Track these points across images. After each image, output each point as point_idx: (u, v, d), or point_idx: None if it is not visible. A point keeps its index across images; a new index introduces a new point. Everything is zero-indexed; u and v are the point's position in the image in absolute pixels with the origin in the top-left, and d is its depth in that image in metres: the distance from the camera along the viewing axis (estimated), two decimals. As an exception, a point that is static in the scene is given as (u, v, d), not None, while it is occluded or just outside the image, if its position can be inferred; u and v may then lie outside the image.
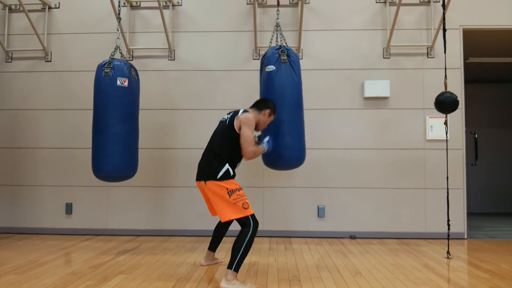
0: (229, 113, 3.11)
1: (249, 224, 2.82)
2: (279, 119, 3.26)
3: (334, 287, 2.75)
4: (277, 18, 3.77)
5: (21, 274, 3.00)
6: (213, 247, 3.39)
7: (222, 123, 3.09)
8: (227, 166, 2.94)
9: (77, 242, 4.23)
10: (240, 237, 2.79)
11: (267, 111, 3.09)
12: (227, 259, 3.41)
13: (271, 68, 3.35)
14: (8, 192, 4.78)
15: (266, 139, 3.10)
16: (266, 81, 3.39)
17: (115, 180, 3.69)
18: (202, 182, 2.97)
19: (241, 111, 3.06)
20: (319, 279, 2.93)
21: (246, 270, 3.16)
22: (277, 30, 3.75)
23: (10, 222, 4.75)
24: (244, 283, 2.76)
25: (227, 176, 2.91)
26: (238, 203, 2.85)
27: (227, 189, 2.87)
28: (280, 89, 3.31)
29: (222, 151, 2.98)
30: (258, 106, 3.12)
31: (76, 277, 2.94)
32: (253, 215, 2.87)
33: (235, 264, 2.72)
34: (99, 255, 3.64)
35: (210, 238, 4.21)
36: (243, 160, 3.10)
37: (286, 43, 3.62)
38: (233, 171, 3.00)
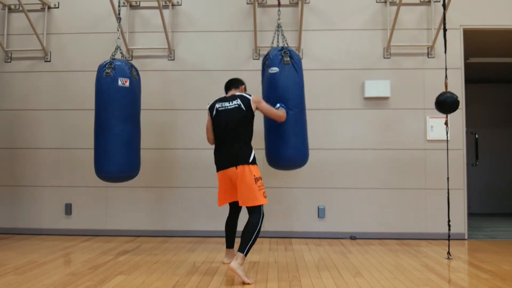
0: (224, 101, 3.23)
1: (260, 212, 3.02)
2: (286, 121, 3.32)
3: (334, 287, 2.75)
4: (278, 19, 3.76)
5: (20, 275, 2.99)
6: (230, 244, 3.46)
7: (233, 111, 3.16)
8: (253, 151, 3.15)
9: (77, 243, 4.23)
10: (252, 224, 2.97)
11: (242, 86, 3.43)
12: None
13: (274, 70, 3.39)
14: (8, 192, 4.77)
15: (278, 105, 3.32)
16: (270, 83, 3.44)
17: (118, 181, 3.68)
18: (233, 168, 3.08)
19: (245, 94, 3.24)
20: (319, 279, 2.92)
21: (246, 270, 3.15)
22: (278, 31, 3.75)
23: (10, 223, 4.75)
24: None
25: (255, 161, 3.13)
26: (261, 190, 3.05)
27: (254, 175, 3.05)
28: (285, 91, 3.36)
29: (248, 137, 3.19)
30: (234, 85, 3.40)
31: (75, 277, 2.93)
32: (263, 205, 3.07)
33: (246, 249, 2.90)
34: (98, 256, 3.64)
35: (210, 238, 4.20)
36: None
37: (287, 43, 3.61)
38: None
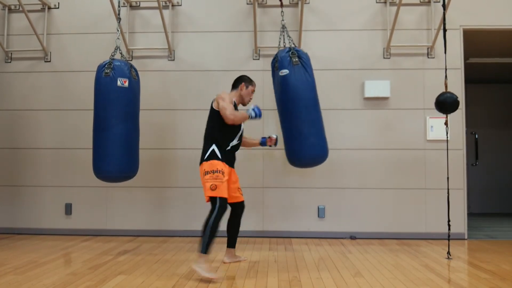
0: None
1: (214, 207, 3.01)
2: (299, 120, 3.38)
3: (334, 287, 2.75)
4: (282, 20, 3.76)
5: (20, 275, 2.99)
6: (231, 243, 3.49)
7: (209, 110, 3.29)
8: (213, 146, 3.16)
9: (77, 243, 4.23)
10: (206, 220, 2.98)
11: (242, 84, 3.38)
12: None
13: (285, 72, 3.39)
14: (8, 192, 4.78)
15: (252, 107, 3.27)
16: (282, 85, 3.46)
17: (116, 181, 3.68)
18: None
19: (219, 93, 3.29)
20: (319, 279, 2.92)
21: (246, 270, 3.15)
22: (283, 32, 3.74)
23: (10, 223, 4.75)
24: (209, 271, 2.92)
25: (212, 156, 3.13)
26: (208, 182, 3.05)
27: (205, 169, 3.10)
28: (296, 92, 3.39)
29: (210, 133, 3.22)
30: (234, 86, 3.43)
31: (76, 277, 2.93)
32: (222, 199, 3.04)
33: (201, 246, 2.93)
34: (99, 256, 3.64)
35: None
36: (236, 143, 3.31)
37: (294, 44, 3.61)
38: (223, 154, 3.18)
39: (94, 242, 4.28)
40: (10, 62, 4.87)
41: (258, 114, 3.28)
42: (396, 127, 4.60)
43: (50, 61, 4.84)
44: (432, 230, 4.50)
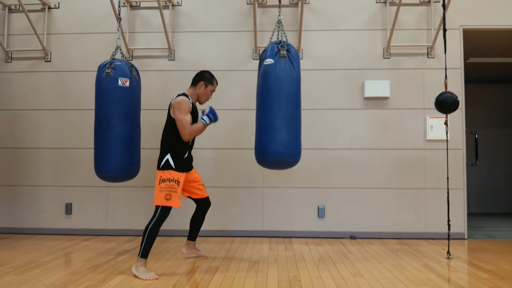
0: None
1: (155, 213, 3.05)
2: (274, 114, 3.16)
3: (334, 287, 2.75)
4: (279, 15, 3.67)
5: (20, 275, 2.99)
6: (191, 236, 3.58)
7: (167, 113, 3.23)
8: (168, 156, 3.10)
9: (77, 242, 4.23)
10: (146, 226, 3.04)
11: (201, 83, 3.26)
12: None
13: (269, 61, 3.20)
14: (8, 192, 4.78)
15: (206, 111, 3.18)
16: (264, 75, 3.25)
17: (118, 181, 3.68)
18: None
19: (175, 96, 3.20)
20: (319, 279, 2.92)
21: (246, 270, 3.16)
22: (278, 27, 3.63)
23: (10, 222, 4.75)
24: (148, 271, 2.95)
25: (167, 166, 3.08)
26: (163, 192, 3.03)
27: (161, 177, 3.06)
28: (277, 83, 3.17)
29: (165, 141, 3.17)
30: (193, 82, 3.30)
31: (76, 277, 2.93)
32: (164, 208, 3.05)
33: (140, 251, 2.98)
34: (99, 255, 3.64)
35: (210, 238, 4.21)
36: (191, 147, 3.28)
37: (287, 39, 3.54)
38: (179, 162, 3.12)
39: (94, 242, 4.28)
40: (10, 62, 4.87)
41: (213, 119, 3.18)
42: (396, 127, 4.60)
43: (50, 61, 4.84)
44: (432, 230, 4.50)
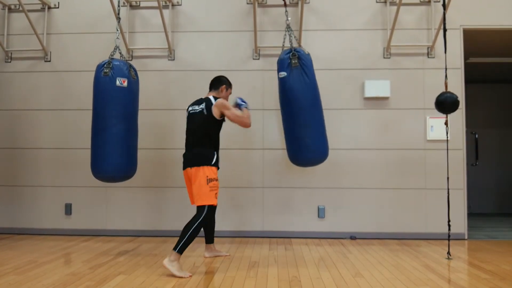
0: (196, 104, 3.40)
1: (201, 212, 3.12)
2: (295, 123, 3.45)
3: (334, 287, 2.75)
4: (287, 20, 3.77)
5: (20, 275, 2.99)
6: (209, 239, 3.65)
7: (197, 115, 3.34)
8: (216, 154, 3.30)
9: (77, 243, 4.23)
10: (190, 223, 3.07)
11: (223, 87, 3.51)
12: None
13: (283, 74, 3.48)
14: (8, 192, 4.77)
15: (238, 100, 3.44)
16: (280, 87, 3.55)
17: (114, 181, 3.68)
18: (188, 169, 3.27)
19: (211, 98, 3.35)
20: (319, 279, 2.92)
21: (246, 270, 3.15)
22: (288, 31, 3.73)
23: (10, 223, 4.75)
24: (181, 269, 3.00)
25: (215, 163, 3.27)
26: (213, 191, 3.16)
27: (207, 176, 3.16)
28: (291, 94, 3.44)
29: (209, 139, 3.29)
30: (214, 86, 3.52)
31: (75, 277, 2.93)
32: (212, 206, 3.19)
33: (179, 246, 3.00)
34: (98, 256, 3.64)
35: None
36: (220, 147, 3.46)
37: (299, 44, 3.61)
38: (218, 159, 3.34)
39: (94, 242, 4.28)
40: (10, 62, 4.87)
41: (246, 103, 3.46)
42: (396, 127, 4.59)
43: (50, 61, 4.84)
44: (432, 230, 4.49)
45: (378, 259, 3.56)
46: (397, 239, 4.47)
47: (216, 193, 3.19)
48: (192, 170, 3.22)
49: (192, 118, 3.40)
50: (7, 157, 4.79)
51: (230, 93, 3.62)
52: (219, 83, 3.52)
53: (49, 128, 4.78)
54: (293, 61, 3.40)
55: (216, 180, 3.22)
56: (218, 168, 3.32)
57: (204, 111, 3.30)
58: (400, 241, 4.36)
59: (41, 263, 3.36)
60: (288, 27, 3.74)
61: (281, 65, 3.51)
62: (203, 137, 3.29)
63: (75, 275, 2.99)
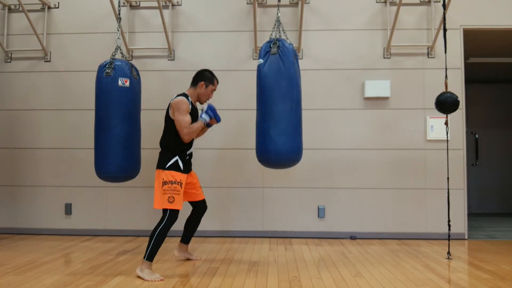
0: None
1: (164, 217, 2.97)
2: (265, 113, 3.10)
3: (334, 287, 2.75)
4: (278, 14, 3.65)
5: (20, 275, 2.99)
6: (185, 239, 3.50)
7: (166, 114, 3.19)
8: (176, 158, 3.07)
9: (77, 243, 4.23)
10: (154, 228, 2.96)
11: (201, 83, 3.21)
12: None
13: (260, 61, 3.20)
14: (8, 192, 4.77)
15: (204, 108, 3.16)
16: (257, 76, 3.23)
17: (118, 181, 3.68)
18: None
19: (174, 96, 3.15)
20: (319, 279, 2.92)
21: (246, 271, 3.15)
22: (278, 26, 3.57)
23: (10, 222, 4.74)
24: (153, 273, 2.92)
25: (173, 167, 3.04)
26: (166, 194, 2.97)
27: (163, 179, 2.99)
28: (265, 81, 3.13)
29: (170, 143, 3.11)
30: (193, 81, 3.25)
31: (75, 277, 2.93)
32: (173, 211, 2.98)
33: (147, 254, 2.92)
34: (98, 256, 3.64)
35: (210, 238, 4.20)
36: (192, 149, 3.25)
37: (287, 37, 3.49)
38: (183, 164, 3.09)
39: (94, 242, 4.28)
40: (10, 62, 4.87)
41: (213, 116, 3.14)
42: (396, 127, 4.59)
43: (50, 61, 4.84)
44: (432, 230, 4.49)
45: (378, 259, 3.56)
46: (397, 239, 4.47)
47: (169, 197, 2.96)
48: (155, 173, 3.07)
49: None
50: (7, 157, 4.79)
51: (214, 90, 3.31)
52: (198, 78, 3.23)
53: (49, 128, 4.78)
54: (273, 50, 3.15)
55: (175, 183, 2.99)
56: (184, 172, 3.09)
57: (168, 108, 3.14)
58: (400, 241, 4.36)
59: (41, 263, 3.36)
60: (277, 21, 3.58)
61: (260, 53, 3.25)
62: (165, 138, 3.15)
63: (75, 275, 2.99)
